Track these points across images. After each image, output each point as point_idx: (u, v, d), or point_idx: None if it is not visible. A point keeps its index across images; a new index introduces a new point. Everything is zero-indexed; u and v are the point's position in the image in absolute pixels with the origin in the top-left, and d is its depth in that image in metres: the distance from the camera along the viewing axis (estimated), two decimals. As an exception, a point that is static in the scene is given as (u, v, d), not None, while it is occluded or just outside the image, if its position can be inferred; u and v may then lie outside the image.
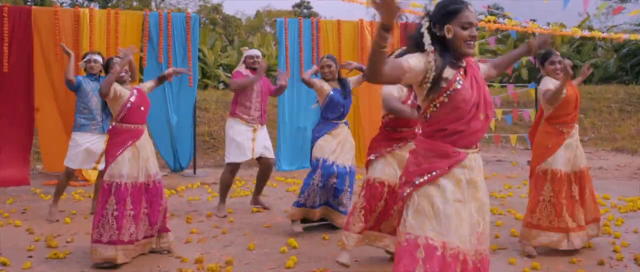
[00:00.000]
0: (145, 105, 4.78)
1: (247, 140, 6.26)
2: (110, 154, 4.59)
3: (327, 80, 5.54)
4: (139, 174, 4.59)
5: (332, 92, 5.44)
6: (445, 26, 2.53)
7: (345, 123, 5.58)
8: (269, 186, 8.22)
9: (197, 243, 5.17)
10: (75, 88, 6.14)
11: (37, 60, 8.35)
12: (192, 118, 9.39)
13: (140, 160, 4.61)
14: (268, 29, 38.64)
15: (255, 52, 6.50)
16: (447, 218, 2.48)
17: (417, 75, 2.50)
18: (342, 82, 5.55)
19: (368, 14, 41.05)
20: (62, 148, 8.74)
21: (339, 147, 5.43)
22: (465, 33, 2.54)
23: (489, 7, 22.32)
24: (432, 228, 2.47)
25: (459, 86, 2.54)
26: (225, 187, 6.40)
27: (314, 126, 5.65)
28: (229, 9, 54.81)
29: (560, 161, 4.69)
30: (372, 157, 4.39)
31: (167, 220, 4.83)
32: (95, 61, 6.21)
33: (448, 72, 2.54)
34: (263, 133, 6.43)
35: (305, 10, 42.55)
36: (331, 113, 5.47)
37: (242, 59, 6.51)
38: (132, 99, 4.68)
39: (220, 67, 23.27)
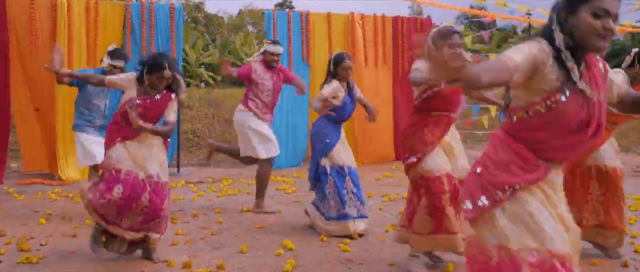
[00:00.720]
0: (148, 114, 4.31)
1: (270, 133, 6.13)
2: (107, 142, 4.30)
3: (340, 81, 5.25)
4: (135, 169, 4.18)
5: (346, 96, 5.25)
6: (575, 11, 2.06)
7: None
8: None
9: (184, 245, 4.75)
10: (76, 83, 5.75)
11: (13, 54, 7.86)
12: (176, 114, 8.93)
13: (137, 158, 4.21)
14: (250, 28, 38.28)
15: (278, 49, 6.17)
16: (545, 221, 2.07)
17: (526, 73, 2.02)
18: (348, 83, 5.30)
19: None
20: (39, 146, 8.35)
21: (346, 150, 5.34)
22: (597, 23, 2.03)
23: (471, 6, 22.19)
24: (531, 238, 2.04)
25: (563, 98, 2.07)
26: (265, 184, 6.16)
27: (320, 129, 5.25)
28: (211, 8, 54.20)
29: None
30: (417, 157, 3.94)
31: (160, 226, 4.30)
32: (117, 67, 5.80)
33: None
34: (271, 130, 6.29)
35: (287, 10, 42.11)
36: (342, 117, 5.28)
37: (262, 50, 6.20)
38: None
39: (202, 66, 22.87)
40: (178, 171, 8.95)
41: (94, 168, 5.71)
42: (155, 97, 4.28)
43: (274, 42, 6.27)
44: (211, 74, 23.04)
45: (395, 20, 10.21)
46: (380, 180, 8.27)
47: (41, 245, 4.70)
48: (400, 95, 10.04)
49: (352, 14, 9.85)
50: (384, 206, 6.43)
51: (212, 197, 6.96)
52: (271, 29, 9.34)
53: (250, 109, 6.03)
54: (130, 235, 4.21)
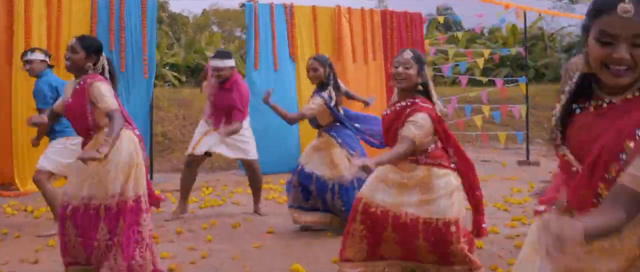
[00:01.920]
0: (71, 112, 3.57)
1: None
2: None
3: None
4: (82, 192, 3.39)
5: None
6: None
7: None
8: (242, 193, 7.06)
9: (172, 272, 3.96)
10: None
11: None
12: (148, 115, 8.10)
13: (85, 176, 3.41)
14: (215, 28, 37.36)
15: (217, 63, 5.47)
16: None
17: None
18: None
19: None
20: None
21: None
22: (600, 51, 1.53)
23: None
24: None
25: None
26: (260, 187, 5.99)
27: (351, 139, 4.87)
28: (175, 7, 52.87)
29: None
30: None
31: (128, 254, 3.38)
32: (31, 62, 5.07)
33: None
34: None
35: (270, 2, 41.31)
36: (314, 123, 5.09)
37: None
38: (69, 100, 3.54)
39: (167, 66, 22.01)
40: (151, 178, 8.08)
41: None
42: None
43: (215, 55, 5.59)
44: (175, 74, 22.16)
45: (384, 13, 9.57)
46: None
47: (-5, 275, 3.85)
48: (391, 93, 9.36)
49: (339, 7, 9.16)
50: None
51: (195, 209, 6.13)
52: (252, 22, 8.56)
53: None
54: None
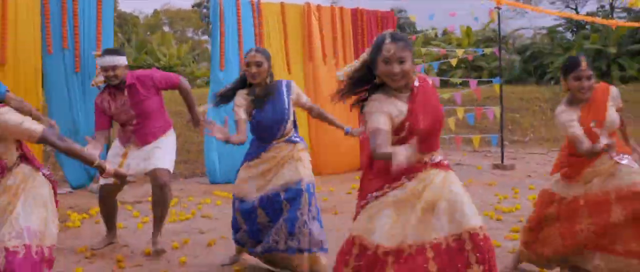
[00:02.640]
0: None
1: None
2: None
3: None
4: None
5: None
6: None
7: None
8: (211, 204, 6.50)
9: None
10: None
11: None
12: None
13: None
14: (166, 28, 36.46)
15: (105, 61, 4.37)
16: None
17: None
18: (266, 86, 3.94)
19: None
20: None
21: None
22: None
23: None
24: None
25: None
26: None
27: None
28: (125, 6, 51.50)
29: None
30: None
31: None
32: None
33: None
34: None
35: (205, 10, 40.59)
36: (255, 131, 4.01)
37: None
38: None
39: (118, 68, 21.02)
40: (107, 189, 7.43)
41: None
42: None
43: (104, 52, 4.45)
44: (126, 76, 21.32)
45: (354, 12, 9.14)
46: (350, 194, 7.11)
47: None
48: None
49: (308, 4, 8.68)
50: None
51: (161, 223, 5.54)
52: (218, 20, 7.99)
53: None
54: None
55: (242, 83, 3.93)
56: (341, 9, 9.07)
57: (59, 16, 6.87)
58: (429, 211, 2.49)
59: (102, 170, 3.25)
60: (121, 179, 3.60)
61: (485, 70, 24.09)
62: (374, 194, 2.54)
